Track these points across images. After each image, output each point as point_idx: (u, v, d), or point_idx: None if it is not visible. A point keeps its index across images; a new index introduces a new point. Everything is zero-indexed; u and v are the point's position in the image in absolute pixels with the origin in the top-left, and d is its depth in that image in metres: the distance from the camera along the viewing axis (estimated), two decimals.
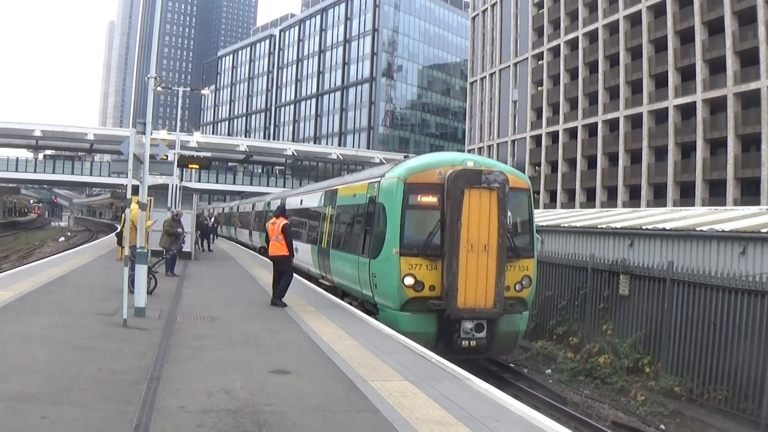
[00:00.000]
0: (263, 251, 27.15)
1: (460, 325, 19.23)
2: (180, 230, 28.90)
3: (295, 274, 24.44)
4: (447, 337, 19.45)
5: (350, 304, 22.89)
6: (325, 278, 27.73)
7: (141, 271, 18.03)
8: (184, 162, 46.34)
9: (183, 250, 32.59)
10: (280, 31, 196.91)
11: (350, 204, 24.82)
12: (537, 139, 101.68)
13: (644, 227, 26.69)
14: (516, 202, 20.69)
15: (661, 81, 78.23)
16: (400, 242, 19.42)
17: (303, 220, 34.56)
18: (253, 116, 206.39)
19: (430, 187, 19.66)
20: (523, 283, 20.44)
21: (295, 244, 27.77)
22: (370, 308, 21.58)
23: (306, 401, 10.56)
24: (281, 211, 22.16)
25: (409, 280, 19.22)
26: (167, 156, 32.18)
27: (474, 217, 19.00)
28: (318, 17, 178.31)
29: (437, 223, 19.49)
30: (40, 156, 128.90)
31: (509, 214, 20.13)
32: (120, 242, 28.26)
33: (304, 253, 30.99)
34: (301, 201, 35.80)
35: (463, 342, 19.33)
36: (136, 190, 19.72)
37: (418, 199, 19.78)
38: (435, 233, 19.44)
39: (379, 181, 21.26)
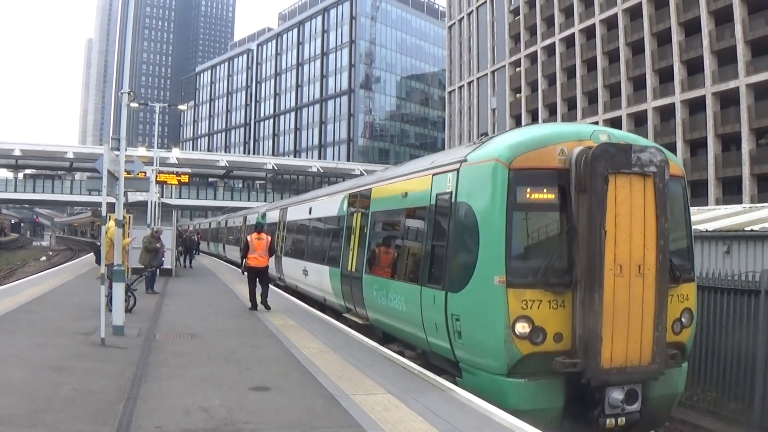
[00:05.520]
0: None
1: (605, 395, 12.17)
2: (158, 245, 28.57)
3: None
4: (580, 412, 12.55)
5: (401, 354, 16.54)
6: (355, 313, 20.67)
7: (118, 289, 17.86)
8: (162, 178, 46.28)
9: (163, 266, 32.32)
10: (258, 45, 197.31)
11: (398, 208, 18.00)
12: None
13: None
14: (670, 197, 13.01)
15: (639, 83, 78.54)
16: (506, 265, 12.30)
17: (313, 234, 28.45)
18: (233, 131, 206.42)
19: (550, 174, 12.74)
20: (683, 320, 13.65)
21: (303, 264, 27.57)
22: (442, 365, 14.77)
23: (286, 418, 10.39)
24: (262, 228, 24.84)
25: (522, 327, 12.11)
26: (144, 173, 32.06)
27: (623, 222, 12.17)
28: (295, 31, 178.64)
29: (564, 232, 12.69)
30: (20, 175, 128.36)
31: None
32: (98, 260, 28.07)
33: (315, 277, 25.48)
34: (310, 210, 28.87)
35: (609, 420, 12.32)
36: (113, 208, 19.52)
37: (533, 193, 12.82)
38: (561, 249, 12.59)
39: (458, 169, 14.19)
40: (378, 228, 19.71)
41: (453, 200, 14.05)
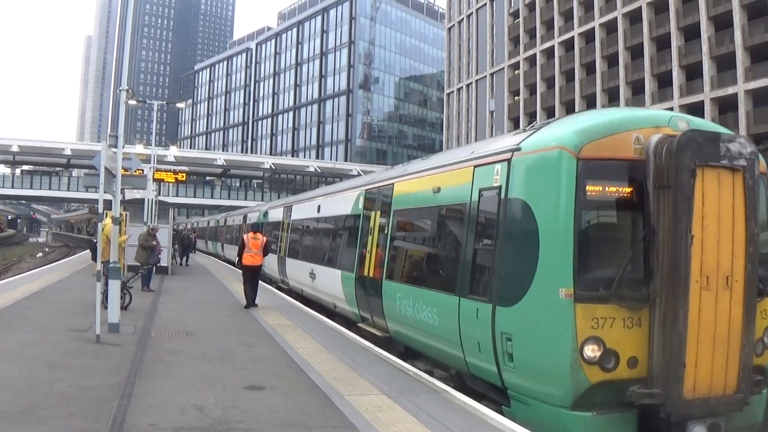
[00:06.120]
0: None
1: (686, 431, 10.18)
2: (154, 243, 28.53)
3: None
4: None
5: (430, 373, 14.28)
6: (371, 323, 18.52)
7: (114, 286, 17.82)
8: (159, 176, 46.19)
9: (160, 264, 32.30)
10: (257, 44, 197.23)
11: (427, 206, 15.63)
12: None
13: None
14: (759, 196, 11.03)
15: (637, 88, 78.52)
16: (573, 275, 10.31)
17: (322, 234, 26.26)
18: (231, 130, 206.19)
19: (624, 166, 10.76)
20: (766, 340, 11.45)
21: (310, 267, 25.67)
22: (484, 390, 12.69)
23: (280, 417, 10.37)
24: (258, 228, 25.71)
25: (592, 350, 10.14)
26: (142, 170, 32.03)
27: (711, 224, 10.19)
28: (294, 30, 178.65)
29: (640, 235, 10.66)
30: (18, 171, 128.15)
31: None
32: (94, 257, 28.04)
33: (325, 281, 23.44)
34: (319, 207, 26.73)
35: None
36: (110, 205, 19.50)
37: (605, 189, 10.82)
38: (637, 257, 10.57)
39: (510, 159, 11.83)
40: (401, 228, 17.47)
41: (503, 196, 11.78)
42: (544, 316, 10.51)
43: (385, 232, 17.66)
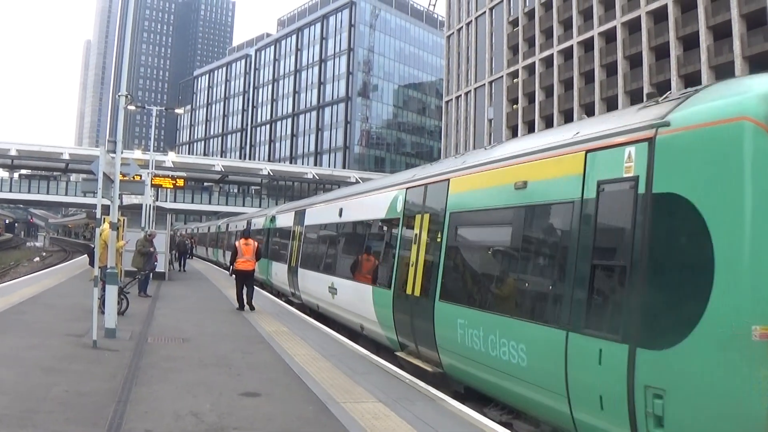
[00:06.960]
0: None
1: None
2: (151, 249, 28.49)
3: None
4: None
5: (509, 426, 11.19)
6: (415, 353, 15.25)
7: (111, 291, 17.79)
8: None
9: (156, 270, 32.23)
10: (256, 50, 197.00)
11: (506, 206, 11.80)
12: None
13: None
14: None
15: (636, 97, 78.39)
16: None
17: (346, 242, 23.03)
18: (229, 136, 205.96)
19: None
20: None
21: (330, 280, 22.13)
22: None
23: (275, 424, 10.35)
24: (248, 234, 26.28)
25: None
26: (140, 176, 32.01)
27: None
28: (293, 37, 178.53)
29: None
30: (16, 175, 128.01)
31: None
32: (92, 262, 27.97)
33: (350, 297, 19.99)
34: (341, 211, 22.95)
35: None
36: (108, 210, 19.50)
37: None
38: None
39: (652, 138, 8.48)
40: (463, 235, 13.80)
41: (641, 191, 8.42)
42: (724, 365, 7.28)
43: (438, 240, 14.19)
